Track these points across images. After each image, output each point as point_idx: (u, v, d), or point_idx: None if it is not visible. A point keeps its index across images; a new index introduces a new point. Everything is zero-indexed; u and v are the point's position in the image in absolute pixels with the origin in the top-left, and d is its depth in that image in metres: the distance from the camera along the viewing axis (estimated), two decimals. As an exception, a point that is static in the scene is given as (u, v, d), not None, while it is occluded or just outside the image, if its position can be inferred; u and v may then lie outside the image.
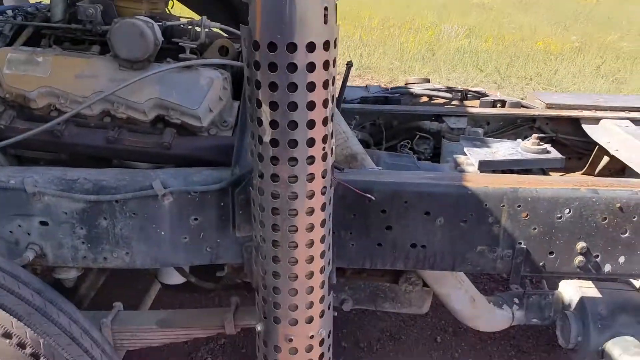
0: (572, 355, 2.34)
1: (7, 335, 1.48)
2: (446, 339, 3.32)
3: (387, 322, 3.46)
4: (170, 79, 1.95)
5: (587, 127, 2.94)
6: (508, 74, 9.73)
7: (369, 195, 1.91)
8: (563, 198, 1.92)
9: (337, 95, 1.99)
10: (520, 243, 1.97)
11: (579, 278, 2.45)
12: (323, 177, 1.35)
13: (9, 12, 2.26)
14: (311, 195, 1.34)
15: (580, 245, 1.96)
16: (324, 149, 1.33)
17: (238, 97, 2.07)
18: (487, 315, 2.37)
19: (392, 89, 3.29)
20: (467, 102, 3.17)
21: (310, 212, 1.36)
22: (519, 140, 2.62)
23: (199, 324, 2.05)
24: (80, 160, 2.06)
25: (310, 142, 1.30)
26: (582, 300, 2.28)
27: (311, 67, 1.26)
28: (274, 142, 1.29)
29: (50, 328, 1.53)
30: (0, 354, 1.48)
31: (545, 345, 3.26)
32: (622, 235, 1.94)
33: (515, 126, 3.03)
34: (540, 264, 2.00)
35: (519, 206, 1.93)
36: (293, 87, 1.26)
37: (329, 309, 1.54)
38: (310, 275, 1.42)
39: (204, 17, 2.13)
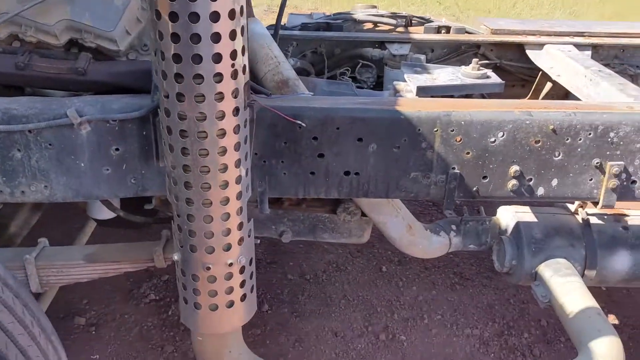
0: (508, 279, 2.37)
1: None
2: (391, 269, 3.35)
3: (333, 254, 3.46)
4: (82, -2, 1.81)
5: (531, 53, 2.90)
6: (467, 7, 9.61)
7: (299, 122, 1.83)
8: (497, 121, 1.88)
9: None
10: (453, 168, 1.94)
11: (517, 203, 2.46)
12: (234, 96, 1.27)
13: None
14: (221, 117, 1.26)
15: (514, 169, 1.94)
16: (233, 65, 1.24)
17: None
18: (423, 242, 2.37)
19: (334, 15, 3.17)
20: (411, 29, 3.08)
21: (222, 134, 1.28)
22: (463, 67, 2.55)
23: (127, 258, 1.99)
24: (-11, 89, 1.93)
25: (217, 58, 1.21)
26: (518, 225, 2.29)
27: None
28: (177, 58, 1.19)
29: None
30: None
31: (486, 271, 3.32)
32: (555, 158, 1.93)
33: (459, 53, 2.97)
34: (474, 188, 1.98)
35: (452, 130, 1.89)
36: (193, -6, 1.16)
37: (249, 236, 1.49)
38: (226, 201, 1.35)
39: None
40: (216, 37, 1.19)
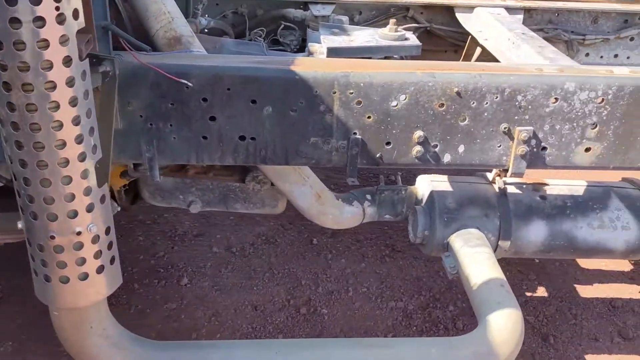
0: (422, 250, 2.28)
1: None
2: (322, 241, 3.26)
3: (265, 226, 3.35)
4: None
5: (460, 16, 2.78)
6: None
7: (184, 81, 1.69)
8: (398, 83, 1.76)
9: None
10: (355, 133, 1.82)
11: (436, 172, 2.37)
12: (62, 44, 1.13)
13: None
14: (48, 67, 1.12)
15: (418, 134, 1.83)
16: (58, 9, 1.09)
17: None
18: (334, 212, 2.26)
19: (258, -27, 3.00)
20: (339, -11, 2.93)
21: (52, 87, 1.14)
22: (381, 29, 2.42)
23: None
24: None
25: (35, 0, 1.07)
26: (432, 194, 2.20)
27: None
28: (-13, -1, 1.04)
29: None
30: None
31: (417, 243, 3.25)
32: (461, 123, 1.82)
33: (388, 16, 2.83)
34: (377, 155, 1.87)
35: (352, 93, 1.77)
36: None
37: (102, 202, 1.35)
38: (65, 163, 1.22)
39: None
40: (32, -26, 1.04)
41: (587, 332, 2.74)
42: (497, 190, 2.21)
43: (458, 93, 1.78)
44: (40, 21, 1.09)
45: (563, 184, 2.29)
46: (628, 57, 3.24)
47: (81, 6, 1.15)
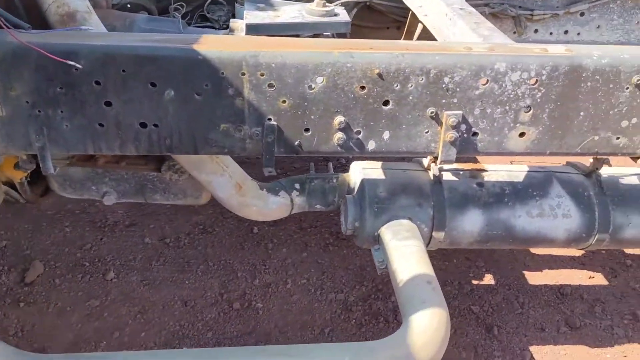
0: (354, 241, 2.14)
1: None
2: (263, 230, 3.10)
3: (203, 215, 3.18)
4: None
5: (401, -9, 2.61)
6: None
7: (72, 63, 1.51)
8: (313, 64, 1.60)
9: None
10: (269, 119, 1.66)
11: (373, 159, 2.22)
12: None
13: None
14: None
15: (339, 120, 1.67)
16: None
17: None
18: (258, 203, 2.10)
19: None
20: (273, -38, 2.74)
21: None
22: (309, 4, 2.25)
23: None
24: None
25: None
26: (362, 183, 2.05)
27: None
28: None
29: None
30: None
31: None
32: (385, 107, 1.67)
33: (324, -10, 2.65)
34: (296, 142, 1.71)
35: (263, 74, 1.60)
36: None
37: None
38: None
39: None
40: None
41: (533, 322, 2.65)
42: (431, 177, 2.07)
43: (379, 75, 1.62)
44: None
45: (503, 170, 2.16)
46: (578, 34, 3.12)
47: None
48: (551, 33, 3.04)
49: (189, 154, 1.78)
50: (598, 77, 1.69)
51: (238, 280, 2.74)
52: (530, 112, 1.71)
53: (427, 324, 1.57)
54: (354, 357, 1.46)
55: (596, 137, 1.79)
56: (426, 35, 2.65)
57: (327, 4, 2.13)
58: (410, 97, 1.66)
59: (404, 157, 2.08)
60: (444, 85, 1.65)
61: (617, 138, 1.79)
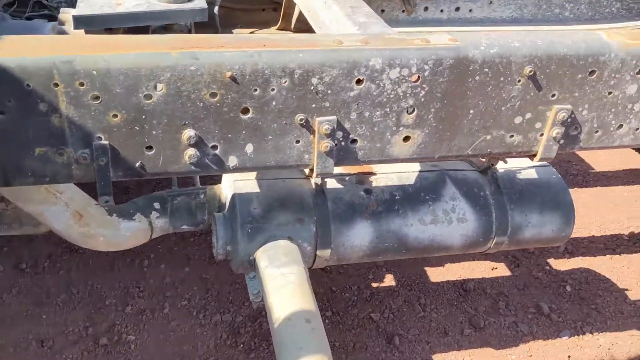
0: (231, 266, 1.85)
1: None
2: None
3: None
4: None
5: (274, -30, 2.32)
6: None
7: None
8: (147, 68, 1.28)
9: None
10: (99, 138, 1.33)
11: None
12: None
13: None
14: None
15: (188, 134, 1.37)
16: None
17: None
18: (105, 233, 1.76)
19: None
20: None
21: None
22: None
23: None
24: None
25: None
26: (233, 199, 1.76)
27: None
28: None
29: None
30: None
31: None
32: (244, 117, 1.38)
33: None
34: (137, 164, 1.39)
35: (82, 84, 1.26)
36: None
37: None
38: None
39: None
40: None
41: (435, 326, 2.48)
42: (313, 186, 1.82)
43: (233, 78, 1.33)
44: None
45: (392, 172, 1.94)
46: (470, 10, 2.95)
47: None
48: (442, 10, 2.85)
49: None
50: (487, 70, 1.48)
51: (106, 309, 2.38)
52: (414, 113, 1.48)
53: (306, 378, 1.32)
54: None
55: (488, 137, 1.59)
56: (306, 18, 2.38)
57: (179, -11, 1.79)
58: (274, 103, 1.38)
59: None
60: (312, 88, 1.39)
61: (511, 136, 1.60)
